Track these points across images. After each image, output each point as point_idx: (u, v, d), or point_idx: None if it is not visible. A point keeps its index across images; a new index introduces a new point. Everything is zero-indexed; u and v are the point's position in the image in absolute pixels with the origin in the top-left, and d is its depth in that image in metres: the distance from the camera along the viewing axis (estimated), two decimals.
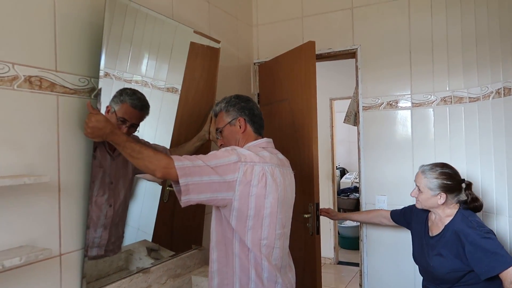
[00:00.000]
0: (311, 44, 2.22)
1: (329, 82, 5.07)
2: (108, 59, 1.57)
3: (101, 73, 1.55)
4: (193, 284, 2.04)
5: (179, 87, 2.00)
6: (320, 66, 4.26)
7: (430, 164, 1.88)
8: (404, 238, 2.49)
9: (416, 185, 1.89)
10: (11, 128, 1.30)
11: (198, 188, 1.40)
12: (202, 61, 2.16)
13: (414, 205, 1.99)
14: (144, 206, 1.91)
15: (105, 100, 1.59)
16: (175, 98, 1.99)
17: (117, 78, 1.66)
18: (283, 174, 1.61)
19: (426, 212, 1.96)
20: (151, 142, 1.85)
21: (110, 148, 1.64)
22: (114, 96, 1.64)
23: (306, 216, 2.18)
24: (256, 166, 1.48)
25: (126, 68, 1.71)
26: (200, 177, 1.40)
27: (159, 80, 1.90)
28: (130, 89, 1.73)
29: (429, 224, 1.93)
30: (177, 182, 1.39)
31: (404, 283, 2.50)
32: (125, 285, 1.69)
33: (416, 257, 1.98)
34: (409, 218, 2.10)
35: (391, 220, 2.23)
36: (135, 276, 1.75)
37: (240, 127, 1.63)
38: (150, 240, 1.92)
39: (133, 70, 1.74)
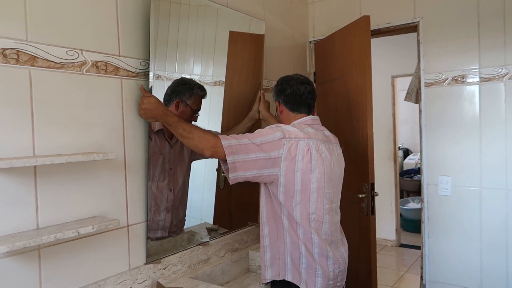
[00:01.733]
0: (365, 19, 2.14)
1: (390, 58, 4.86)
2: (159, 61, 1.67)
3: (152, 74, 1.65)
4: (250, 258, 2.12)
5: (224, 79, 2.09)
6: (380, 42, 4.11)
7: None
8: (468, 219, 2.37)
9: None
10: (81, 110, 1.42)
11: (244, 165, 1.45)
12: (243, 48, 2.20)
13: None
14: (204, 193, 2.06)
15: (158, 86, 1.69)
16: (222, 90, 2.08)
17: (168, 79, 1.79)
18: (330, 149, 1.61)
19: None
20: None
21: (168, 136, 1.75)
22: (181, 91, 1.77)
23: (360, 196, 2.15)
24: (301, 141, 1.50)
25: (175, 69, 1.82)
26: (246, 155, 1.45)
27: (206, 76, 1.99)
28: (194, 81, 1.85)
29: None
30: (225, 160, 1.45)
31: (468, 267, 2.39)
32: (186, 256, 1.81)
33: None
34: None
35: None
36: (195, 248, 1.86)
37: (278, 109, 1.72)
38: (211, 222, 2.04)
39: (181, 70, 1.84)
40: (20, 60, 1.25)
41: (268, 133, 1.51)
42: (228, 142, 1.46)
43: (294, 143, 1.50)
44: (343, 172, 1.73)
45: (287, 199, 1.53)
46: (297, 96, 1.68)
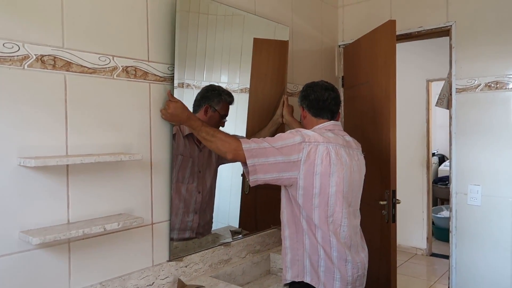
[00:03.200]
0: (391, 24, 2.11)
1: (426, 62, 4.74)
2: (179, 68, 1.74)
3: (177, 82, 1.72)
4: (271, 260, 2.15)
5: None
6: (416, 45, 4.03)
7: None
8: (498, 230, 2.29)
9: None
10: (111, 112, 1.50)
11: (264, 168, 1.49)
12: (268, 54, 2.24)
13: None
14: (231, 197, 2.13)
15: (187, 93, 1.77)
16: (247, 97, 2.13)
17: (196, 87, 1.88)
18: (350, 154, 1.62)
19: None
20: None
21: (197, 140, 1.80)
22: (210, 97, 1.85)
23: (382, 203, 2.13)
24: (320, 145, 1.53)
25: (203, 77, 1.90)
26: (266, 158, 1.49)
27: (233, 84, 2.05)
28: (222, 88, 1.92)
29: None
30: (245, 163, 1.50)
31: (497, 279, 2.30)
32: (208, 255, 1.86)
33: None
34: None
35: None
36: (217, 248, 1.91)
37: (302, 114, 1.75)
38: (237, 226, 2.11)
39: (208, 78, 1.91)
40: (57, 65, 1.35)
41: (288, 137, 1.55)
42: (248, 145, 1.51)
43: (314, 147, 1.53)
44: (364, 177, 1.73)
45: (306, 201, 1.55)
46: (320, 101, 1.71)
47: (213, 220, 1.99)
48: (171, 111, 1.60)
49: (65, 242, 1.38)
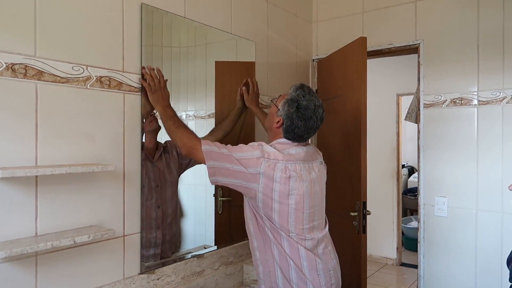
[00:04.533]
0: (362, 41, 2.19)
1: (396, 76, 4.90)
2: None
3: None
4: (244, 272, 2.15)
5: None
6: (386, 61, 4.18)
7: None
8: (463, 241, 2.38)
9: None
10: (84, 122, 1.48)
11: (222, 172, 1.51)
12: (230, 76, 2.27)
13: None
14: (206, 219, 2.17)
15: None
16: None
17: None
18: (309, 168, 1.62)
19: None
20: None
21: (150, 154, 1.80)
22: None
23: (352, 214, 2.18)
24: (279, 164, 1.52)
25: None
26: (224, 163, 1.51)
27: (200, 111, 2.11)
28: None
29: None
30: (203, 162, 1.52)
31: None
32: (180, 267, 1.84)
33: None
34: None
35: None
36: (189, 260, 1.90)
37: (277, 123, 1.63)
38: (213, 244, 2.11)
39: (176, 108, 1.86)
40: (28, 74, 1.32)
41: (248, 150, 1.54)
42: (209, 147, 1.52)
43: (272, 164, 1.51)
44: (325, 186, 1.73)
45: (267, 213, 1.55)
46: (305, 132, 1.61)
47: (186, 236, 2.00)
48: (162, 92, 1.68)
49: (32, 256, 1.34)
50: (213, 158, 1.50)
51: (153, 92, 1.68)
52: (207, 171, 1.53)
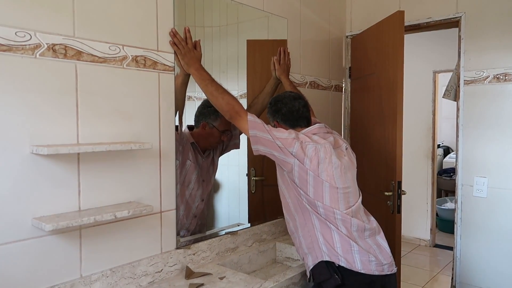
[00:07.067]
0: (399, 15, 2.10)
1: (433, 53, 4.70)
2: None
3: None
4: (277, 249, 2.17)
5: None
6: (423, 36, 4.00)
7: None
8: (504, 222, 2.30)
9: None
10: (122, 101, 1.52)
11: (264, 142, 1.60)
12: (262, 55, 2.24)
13: None
14: (240, 199, 2.24)
15: None
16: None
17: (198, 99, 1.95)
18: (339, 153, 1.69)
19: None
20: None
21: (201, 149, 1.92)
22: (206, 114, 1.92)
23: (387, 194, 2.14)
24: (309, 145, 1.61)
25: None
26: (266, 134, 1.59)
27: (232, 91, 2.11)
28: None
29: None
30: (245, 129, 1.61)
31: (501, 271, 2.32)
32: (215, 243, 1.88)
33: None
34: None
35: None
36: (224, 236, 1.94)
37: (276, 125, 1.79)
38: (246, 222, 2.17)
39: None
40: (68, 54, 1.36)
41: (284, 132, 1.64)
42: (253, 118, 1.62)
43: (304, 145, 1.61)
44: (356, 171, 1.78)
45: (303, 187, 1.62)
46: (294, 112, 1.77)
47: (222, 217, 2.12)
48: (192, 54, 1.69)
49: (77, 229, 1.40)
50: (256, 128, 1.60)
51: (184, 55, 1.69)
52: (250, 139, 1.61)
